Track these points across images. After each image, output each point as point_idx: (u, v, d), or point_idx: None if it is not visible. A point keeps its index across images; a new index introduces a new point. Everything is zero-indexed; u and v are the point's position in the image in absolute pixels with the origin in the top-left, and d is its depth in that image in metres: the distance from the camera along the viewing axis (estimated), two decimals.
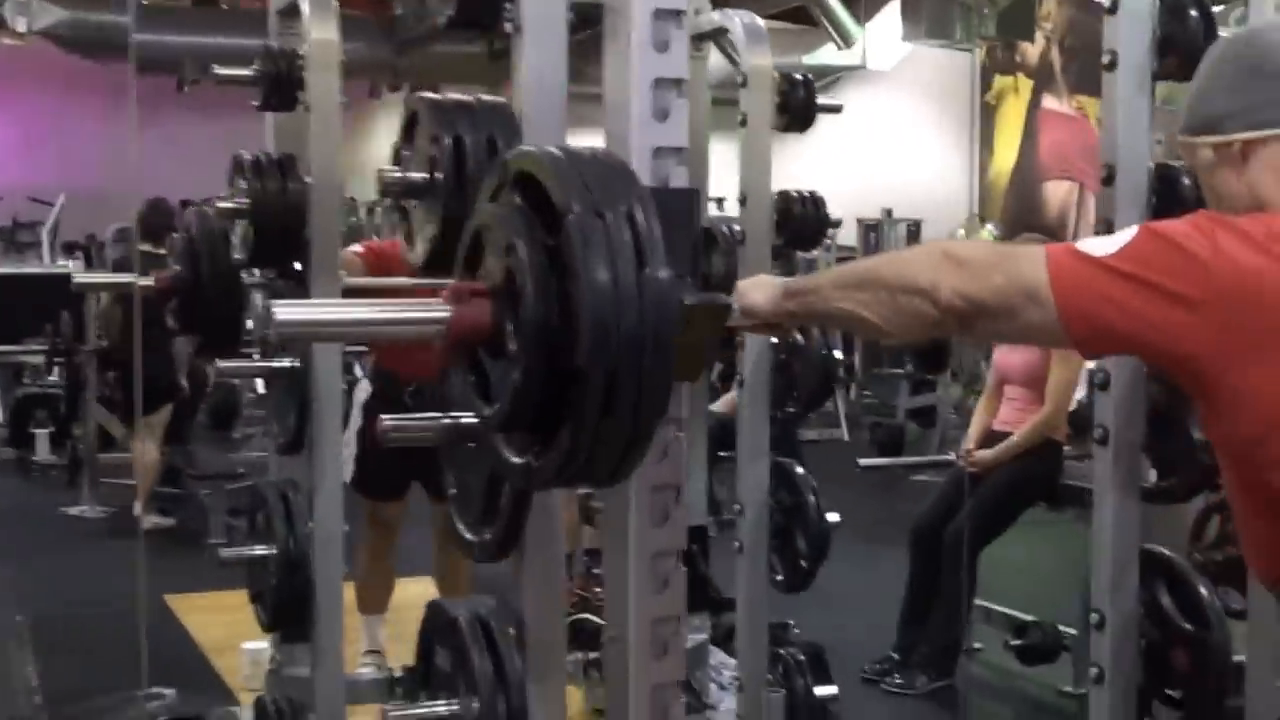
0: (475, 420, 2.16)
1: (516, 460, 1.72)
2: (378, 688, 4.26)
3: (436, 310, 1.68)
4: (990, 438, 5.56)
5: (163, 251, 6.87)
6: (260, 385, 9.16)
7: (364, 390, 4.81)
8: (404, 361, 4.51)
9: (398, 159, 2.25)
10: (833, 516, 4.00)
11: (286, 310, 1.69)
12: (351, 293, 3.74)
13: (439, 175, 2.11)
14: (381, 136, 13.29)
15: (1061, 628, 5.40)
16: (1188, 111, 2.10)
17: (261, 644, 4.86)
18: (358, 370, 4.91)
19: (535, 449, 1.68)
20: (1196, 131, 2.07)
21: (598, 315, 1.56)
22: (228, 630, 5.31)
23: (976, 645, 5.63)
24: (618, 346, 1.56)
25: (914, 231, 13.82)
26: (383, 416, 2.29)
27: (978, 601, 5.55)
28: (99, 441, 9.00)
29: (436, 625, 2.33)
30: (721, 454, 4.79)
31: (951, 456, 6.13)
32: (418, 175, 2.15)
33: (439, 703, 2.25)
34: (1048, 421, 5.43)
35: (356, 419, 4.80)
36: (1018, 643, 5.36)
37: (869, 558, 6.75)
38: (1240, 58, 2.05)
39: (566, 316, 1.58)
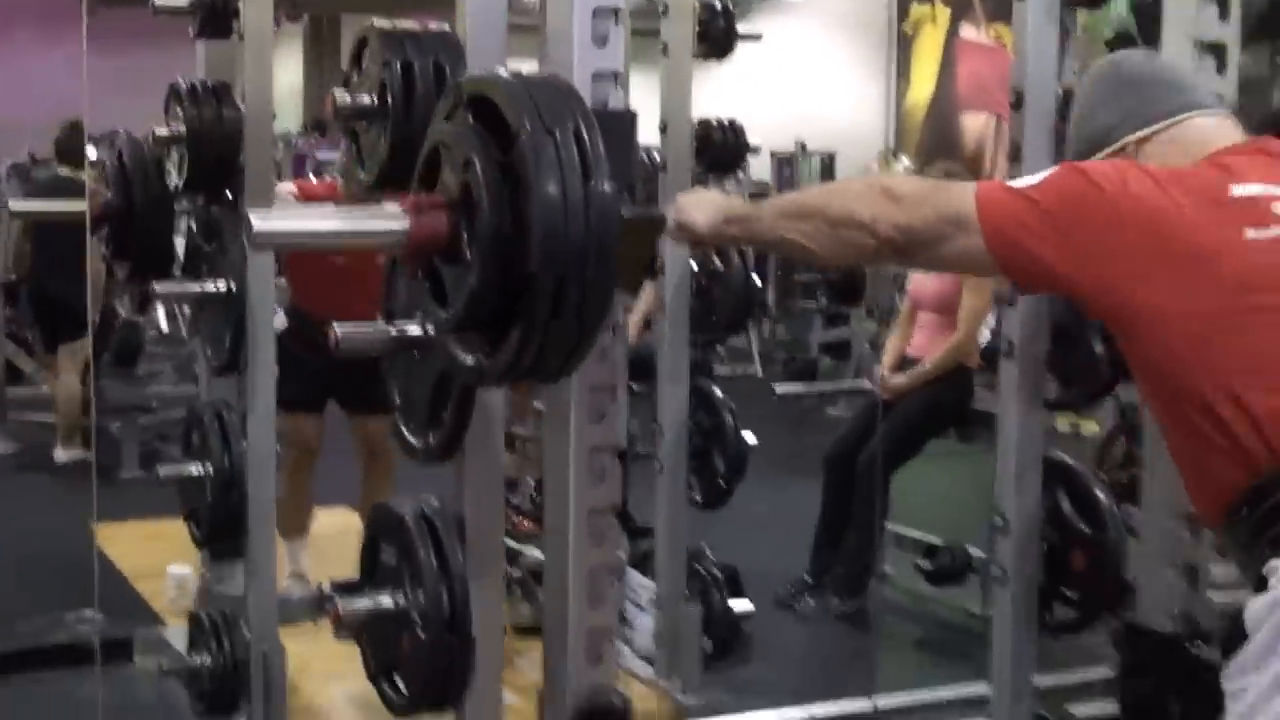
0: (421, 332, 2.31)
1: (468, 359, 1.85)
2: (307, 605, 4.40)
3: (398, 221, 1.82)
4: (904, 364, 5.71)
5: (82, 176, 6.87)
6: (163, 323, 9.18)
7: (279, 321, 4.80)
8: (320, 304, 4.52)
9: (347, 83, 2.36)
10: (750, 438, 4.17)
11: (262, 220, 1.82)
12: None
13: (389, 99, 2.23)
14: (279, 68, 13.14)
15: (971, 550, 5.60)
16: (1076, 141, 2.37)
17: (185, 568, 4.97)
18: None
19: (486, 349, 1.81)
20: (1091, 151, 2.31)
21: (548, 224, 1.70)
22: (149, 557, 5.36)
23: (887, 569, 5.81)
24: (566, 253, 1.71)
25: (828, 165, 13.87)
26: (335, 325, 2.43)
27: (889, 526, 5.72)
28: (7, 376, 8.94)
29: (383, 524, 2.46)
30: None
31: (866, 384, 6.29)
32: (368, 99, 2.28)
33: (384, 595, 2.39)
34: (959, 348, 5.58)
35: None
36: (928, 566, 5.54)
37: (782, 488, 6.87)
38: (1108, 78, 2.36)
39: (519, 226, 1.72)
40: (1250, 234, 2.04)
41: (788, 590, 5.67)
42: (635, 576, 4.60)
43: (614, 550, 2.23)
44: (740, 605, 4.64)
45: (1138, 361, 2.16)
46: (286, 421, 4.67)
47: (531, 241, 1.71)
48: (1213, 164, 2.15)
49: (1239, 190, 2.08)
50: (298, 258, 4.44)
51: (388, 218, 1.84)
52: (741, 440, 4.11)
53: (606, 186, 1.74)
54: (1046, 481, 3.06)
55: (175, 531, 5.11)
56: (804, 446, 7.40)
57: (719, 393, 4.14)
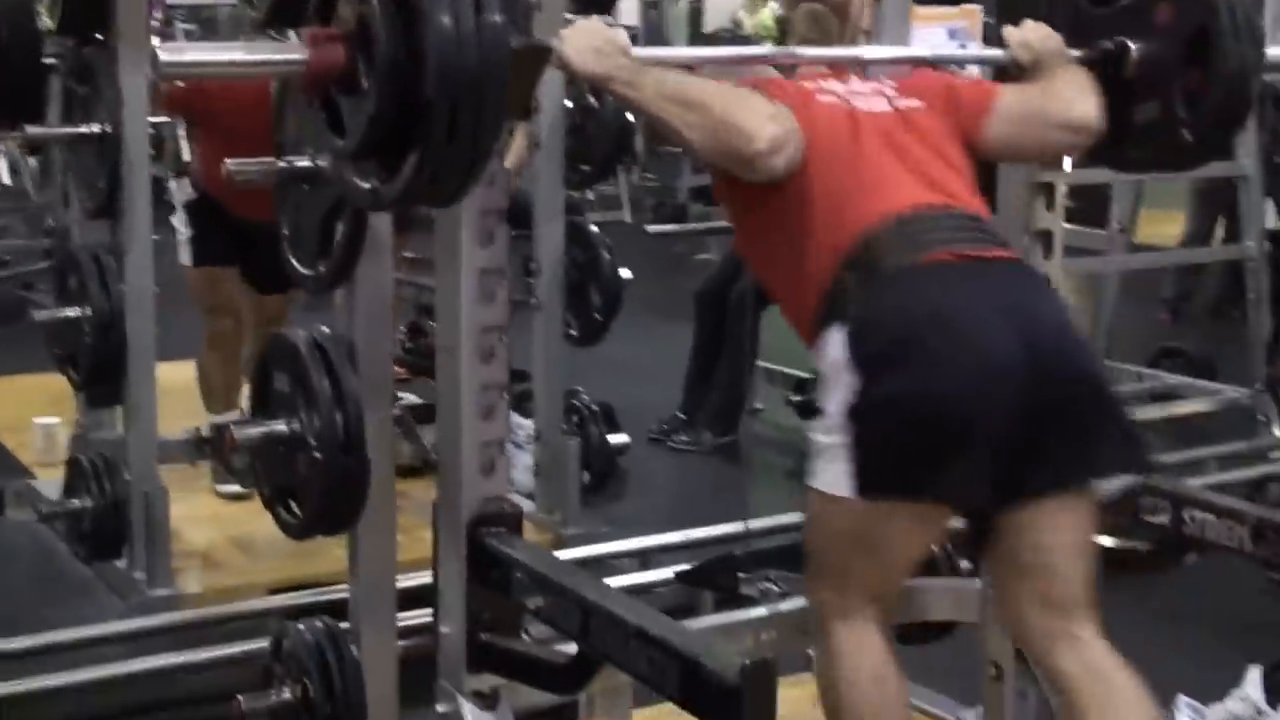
0: (312, 164, 2.37)
1: (366, 185, 1.92)
2: (186, 448, 4.44)
3: (296, 52, 1.88)
4: None
5: None
6: (5, 176, 8.95)
7: (184, 191, 4.64)
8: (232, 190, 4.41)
9: None
10: (625, 273, 4.27)
11: (170, 53, 1.87)
12: None
13: None
14: None
15: None
16: None
17: (53, 419, 4.97)
18: (171, 185, 4.68)
19: (383, 175, 1.88)
20: None
21: (443, 52, 1.76)
22: (12, 411, 5.36)
23: (758, 405, 5.97)
24: (460, 80, 1.77)
25: (697, 8, 13.80)
26: (226, 160, 2.48)
27: (760, 363, 5.86)
28: None
29: (276, 352, 2.53)
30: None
31: None
32: None
33: (279, 422, 2.47)
34: None
35: (181, 213, 4.62)
36: (798, 398, 5.72)
37: (654, 329, 7.00)
38: None
39: (414, 55, 1.78)
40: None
41: (661, 426, 5.82)
42: (514, 417, 4.72)
43: (502, 367, 2.33)
44: (617, 439, 4.79)
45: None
46: (204, 278, 4.55)
47: (427, 69, 1.77)
48: None
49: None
50: (209, 139, 4.32)
51: (288, 49, 1.90)
52: (617, 275, 4.22)
53: (497, 17, 1.80)
54: None
55: (38, 385, 5.14)
56: (675, 288, 7.52)
57: (594, 229, 4.22)
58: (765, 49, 2.48)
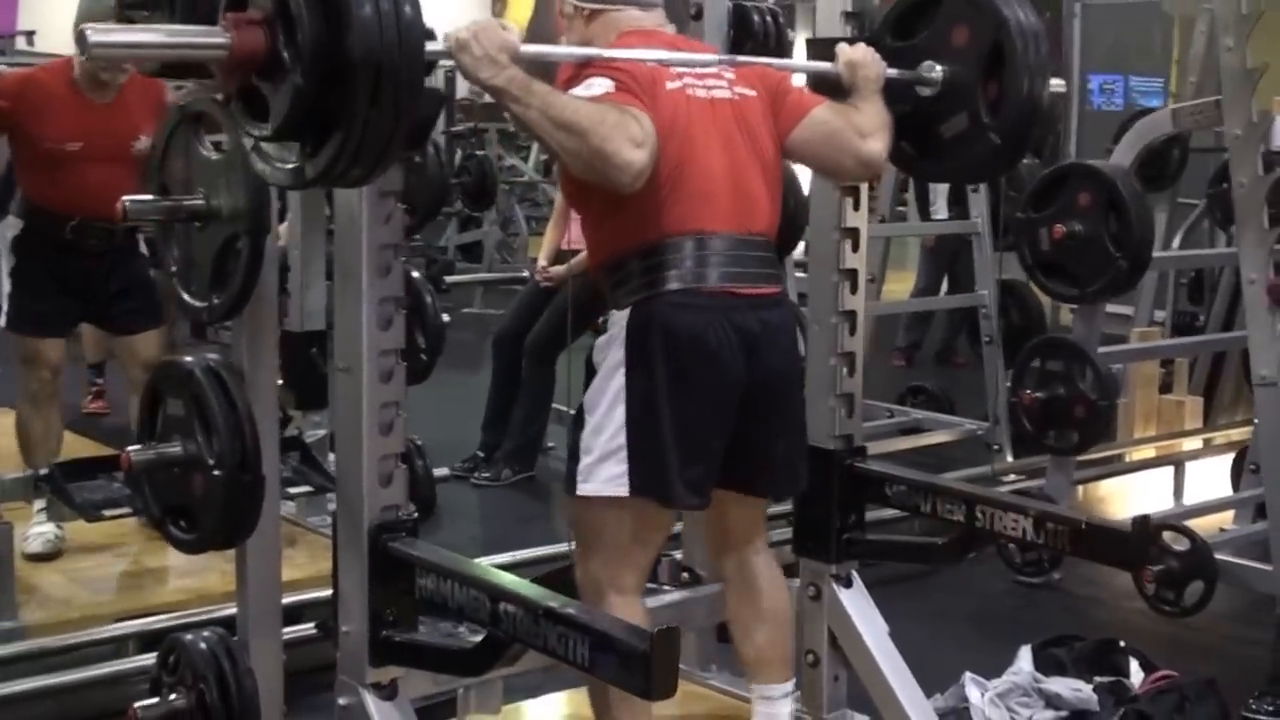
0: (204, 203, 2.58)
1: (287, 166, 2.09)
2: (19, 485, 4.49)
3: (219, 35, 2.02)
4: (561, 256, 6.09)
5: None
6: None
7: (12, 227, 4.47)
8: (59, 197, 4.33)
9: None
10: (445, 316, 4.52)
11: (99, 34, 1.98)
12: None
13: None
14: None
15: None
16: None
17: None
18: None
19: (304, 154, 2.06)
20: None
21: (366, 28, 1.95)
22: None
23: (550, 445, 6.24)
24: (383, 53, 1.97)
25: None
26: (124, 197, 2.67)
27: (554, 405, 6.10)
28: None
29: (167, 378, 2.71)
30: None
31: (526, 274, 6.63)
32: None
33: (174, 444, 2.64)
34: None
35: (7, 258, 4.54)
36: None
37: (436, 376, 7.15)
38: None
39: (336, 32, 1.96)
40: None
41: (463, 464, 6.05)
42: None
43: (400, 387, 2.58)
44: (438, 471, 5.02)
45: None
46: (29, 345, 4.45)
47: (350, 40, 1.94)
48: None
49: None
50: (27, 152, 4.35)
51: (210, 34, 2.03)
52: (440, 318, 4.44)
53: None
54: None
55: None
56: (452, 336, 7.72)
57: (416, 274, 4.44)
58: (637, 51, 2.71)
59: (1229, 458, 5.81)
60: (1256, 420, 4.65)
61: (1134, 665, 3.72)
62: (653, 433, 2.66)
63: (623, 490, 2.68)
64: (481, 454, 6.12)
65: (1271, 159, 4.53)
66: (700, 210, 2.71)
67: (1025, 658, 3.70)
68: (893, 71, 2.91)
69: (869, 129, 2.84)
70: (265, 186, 2.53)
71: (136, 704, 2.77)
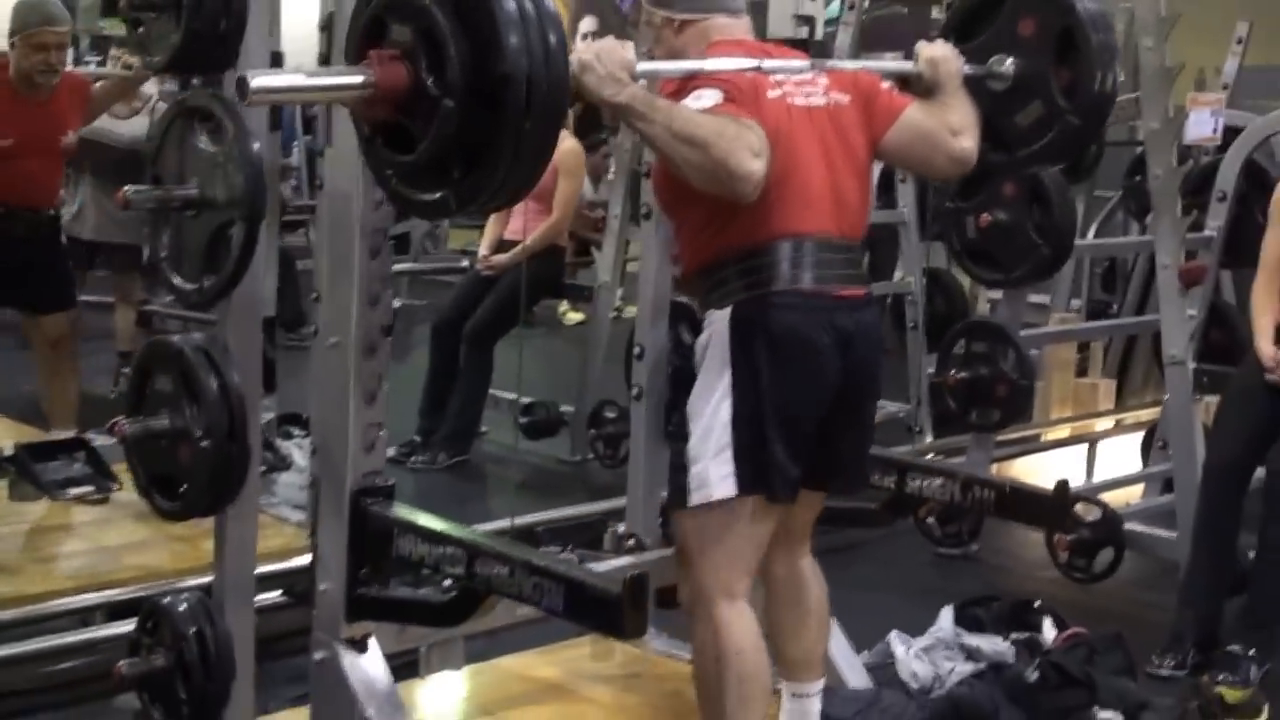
0: (197, 193, 2.73)
1: (429, 197, 2.13)
2: None
3: (361, 74, 2.06)
4: (502, 245, 6.28)
5: None
6: None
7: None
8: (8, 190, 4.58)
9: None
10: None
11: (260, 79, 2.03)
12: None
13: None
14: None
15: (562, 407, 6.27)
16: None
17: None
18: None
19: (456, 176, 2.07)
20: (655, 4, 2.97)
21: (519, 64, 1.97)
22: None
23: (484, 429, 6.42)
24: (537, 89, 1.99)
25: None
26: (127, 186, 2.80)
27: (491, 391, 6.29)
28: None
29: (156, 356, 2.86)
30: None
31: (464, 263, 6.76)
32: None
33: (162, 417, 2.79)
34: (554, 228, 6.22)
35: None
36: (525, 420, 6.19)
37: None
38: None
39: (485, 68, 1.99)
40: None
41: (400, 450, 6.17)
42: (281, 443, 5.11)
43: (384, 360, 2.75)
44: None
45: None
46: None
47: (503, 62, 1.95)
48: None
49: None
50: None
51: (353, 73, 2.07)
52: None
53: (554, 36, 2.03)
54: (672, 319, 3.71)
55: None
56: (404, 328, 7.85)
57: None
58: (740, 61, 2.81)
59: (1139, 436, 6.11)
60: (1166, 398, 4.94)
61: (1047, 623, 3.97)
62: (758, 429, 2.75)
63: (731, 490, 2.77)
64: (418, 438, 6.23)
65: (1185, 153, 4.81)
66: (801, 215, 2.81)
67: (947, 617, 3.95)
68: (965, 69, 3.01)
69: (960, 126, 2.94)
70: (262, 176, 2.64)
71: (122, 662, 2.92)
